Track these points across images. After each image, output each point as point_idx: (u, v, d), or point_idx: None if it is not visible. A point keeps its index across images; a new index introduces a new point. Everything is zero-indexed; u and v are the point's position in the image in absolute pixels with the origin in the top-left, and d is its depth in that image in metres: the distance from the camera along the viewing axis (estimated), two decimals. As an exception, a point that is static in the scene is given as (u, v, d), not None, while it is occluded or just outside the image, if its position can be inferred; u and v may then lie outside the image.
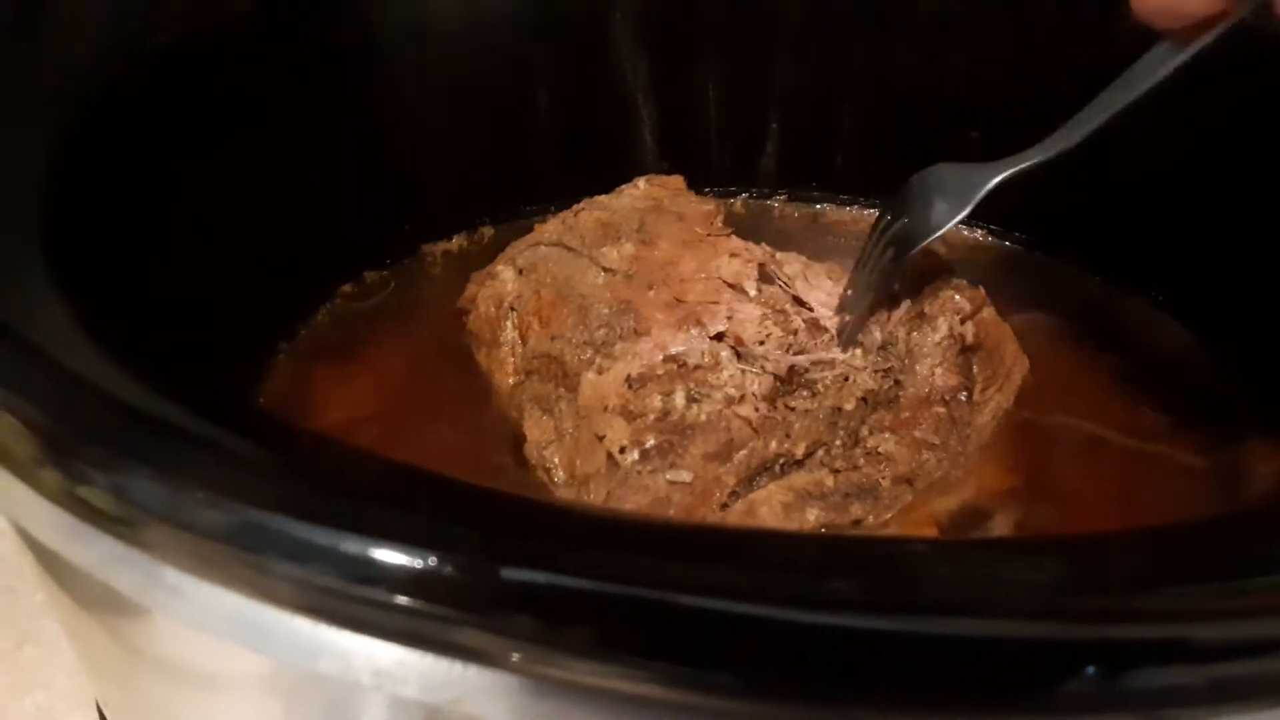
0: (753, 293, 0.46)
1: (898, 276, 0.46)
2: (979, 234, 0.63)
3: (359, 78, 0.55)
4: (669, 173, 0.57)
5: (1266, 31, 0.37)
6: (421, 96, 0.58)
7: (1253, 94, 0.50)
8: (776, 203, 0.67)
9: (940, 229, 0.44)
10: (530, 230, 0.53)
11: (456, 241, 0.61)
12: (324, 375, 0.51)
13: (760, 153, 0.66)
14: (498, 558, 0.22)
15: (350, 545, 0.22)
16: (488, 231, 0.62)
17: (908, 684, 0.21)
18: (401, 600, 0.22)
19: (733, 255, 0.48)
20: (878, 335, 0.46)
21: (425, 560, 0.22)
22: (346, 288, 0.57)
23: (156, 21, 0.46)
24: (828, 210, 0.66)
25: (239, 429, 0.26)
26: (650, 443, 0.41)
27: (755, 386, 0.43)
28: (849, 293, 0.48)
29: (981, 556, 0.23)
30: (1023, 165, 0.43)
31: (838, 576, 0.21)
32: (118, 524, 0.24)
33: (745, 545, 0.24)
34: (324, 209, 0.54)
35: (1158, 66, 0.40)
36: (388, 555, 0.22)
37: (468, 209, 0.62)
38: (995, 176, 0.43)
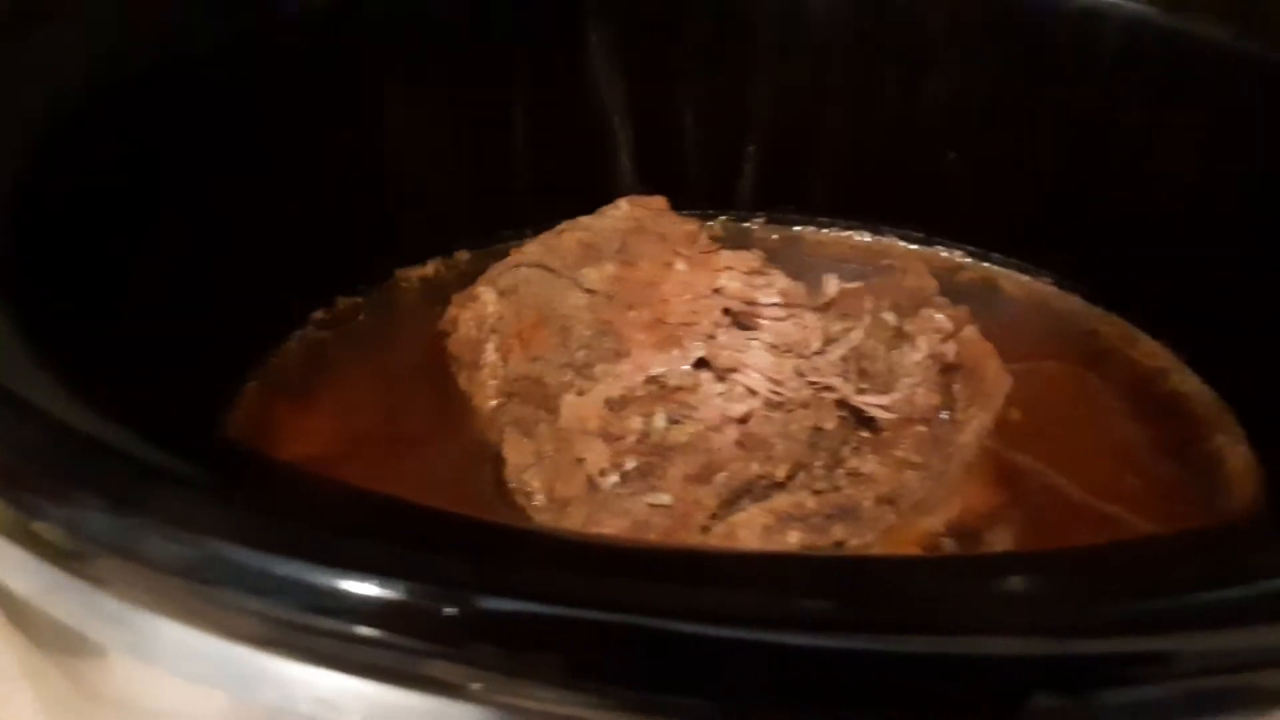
0: (738, 309, 0.45)
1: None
2: (957, 254, 0.63)
3: (333, 103, 0.54)
4: (647, 195, 0.57)
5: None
6: (396, 120, 0.57)
7: (1238, 115, 0.51)
8: (754, 225, 0.67)
9: None
10: (507, 254, 0.53)
11: (432, 266, 0.60)
12: (294, 403, 0.50)
13: (738, 175, 0.66)
14: (461, 584, 0.21)
15: (306, 574, 0.21)
16: (463, 256, 0.61)
17: (883, 703, 0.21)
18: (364, 631, 0.21)
19: (727, 269, 0.47)
20: (857, 354, 0.46)
21: (387, 589, 0.21)
22: (318, 314, 0.55)
23: (128, 48, 0.46)
24: (806, 233, 0.66)
25: (196, 458, 0.26)
26: (630, 465, 0.41)
27: (736, 407, 0.42)
28: None
29: (955, 573, 0.22)
30: None
31: (808, 596, 0.21)
32: (72, 559, 0.24)
33: (716, 567, 0.24)
34: (295, 233, 0.53)
35: None
36: (344, 584, 0.21)
37: (443, 233, 0.61)
38: None
